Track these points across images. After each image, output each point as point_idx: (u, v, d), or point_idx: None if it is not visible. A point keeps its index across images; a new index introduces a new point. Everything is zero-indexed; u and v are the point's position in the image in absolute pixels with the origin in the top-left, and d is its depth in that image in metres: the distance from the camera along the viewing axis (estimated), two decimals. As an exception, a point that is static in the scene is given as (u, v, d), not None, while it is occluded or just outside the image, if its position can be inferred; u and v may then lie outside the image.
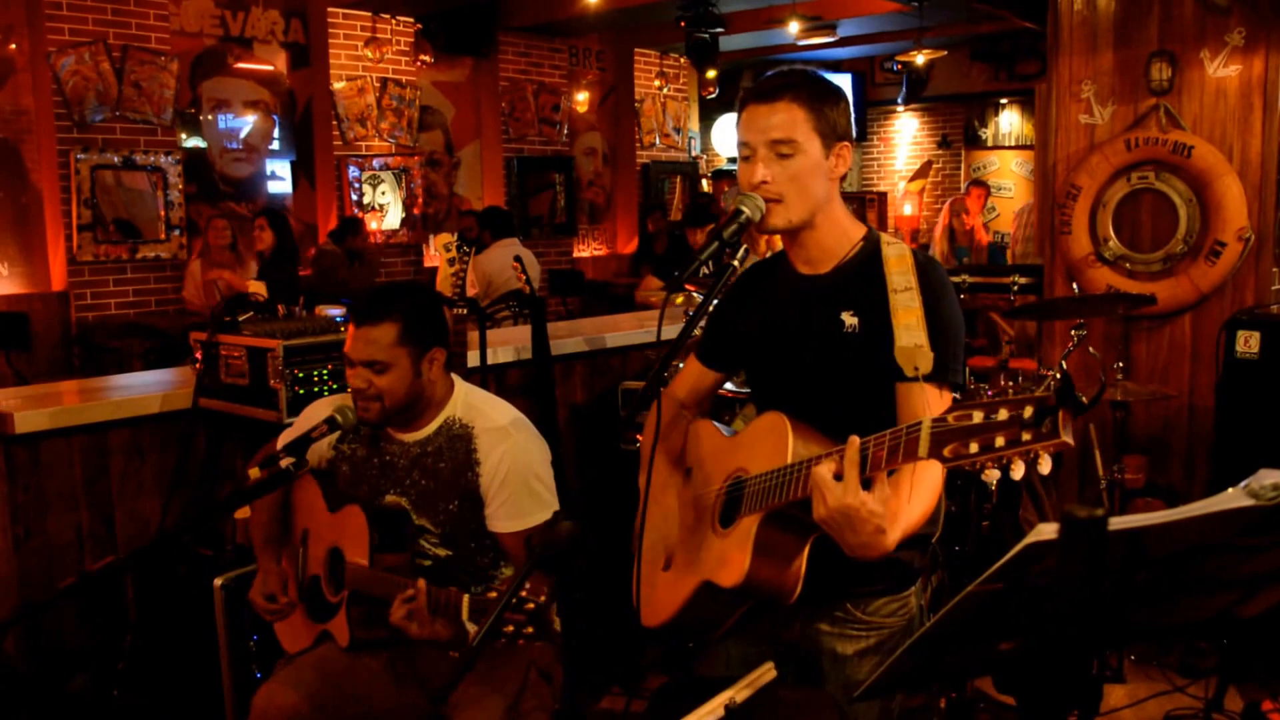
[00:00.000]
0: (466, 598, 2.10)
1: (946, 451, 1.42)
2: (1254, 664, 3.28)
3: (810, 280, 1.96)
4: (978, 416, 1.39)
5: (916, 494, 1.72)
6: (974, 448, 1.39)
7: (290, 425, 2.65)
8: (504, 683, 2.35)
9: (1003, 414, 1.37)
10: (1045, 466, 1.37)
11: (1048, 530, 1.01)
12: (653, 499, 2.11)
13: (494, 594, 1.93)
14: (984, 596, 1.13)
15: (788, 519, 1.75)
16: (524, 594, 1.88)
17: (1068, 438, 1.31)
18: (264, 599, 2.53)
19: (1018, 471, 1.37)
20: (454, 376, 2.52)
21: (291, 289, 6.28)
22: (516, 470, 2.37)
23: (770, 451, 1.79)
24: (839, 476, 1.60)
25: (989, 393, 3.84)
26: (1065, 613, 0.90)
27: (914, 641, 1.23)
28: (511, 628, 1.86)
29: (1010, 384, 3.90)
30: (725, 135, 12.57)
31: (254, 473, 2.30)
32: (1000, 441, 1.37)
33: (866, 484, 1.60)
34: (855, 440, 1.59)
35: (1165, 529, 1.02)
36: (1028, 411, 1.34)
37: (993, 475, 1.42)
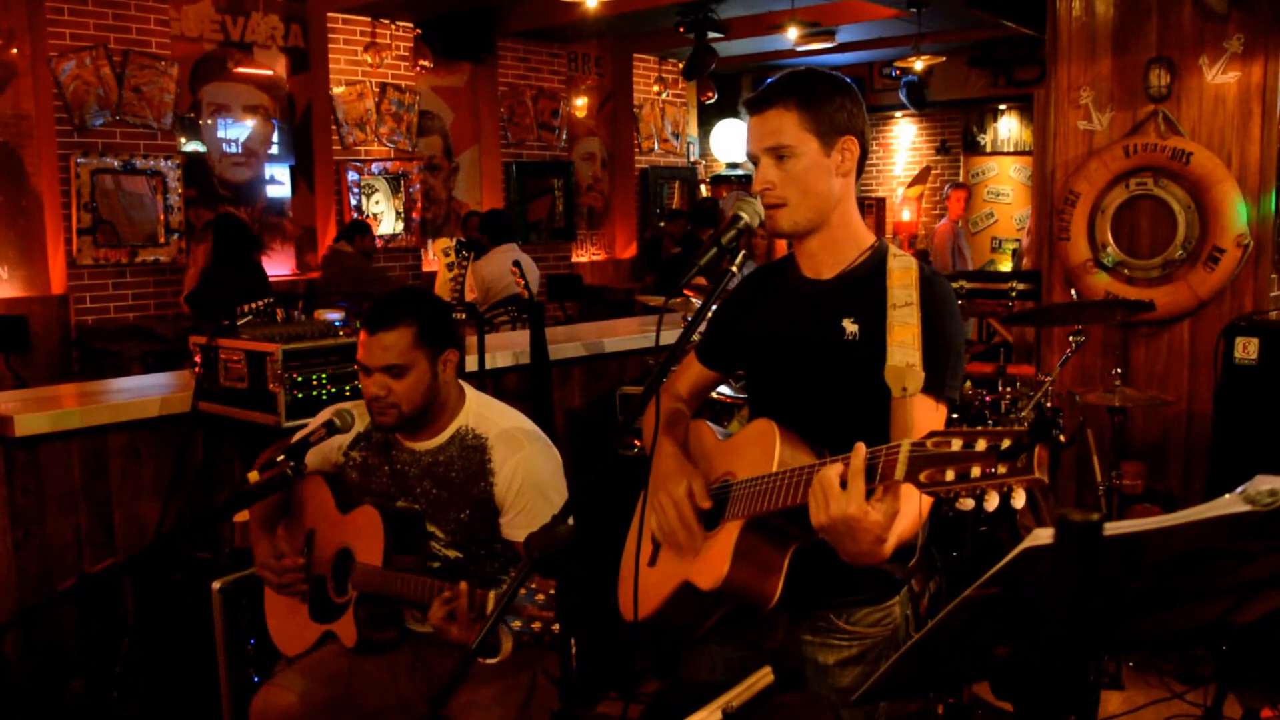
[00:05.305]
0: (493, 594, 2.11)
1: (923, 476, 1.43)
2: (1252, 671, 3.27)
3: (815, 285, 1.97)
4: (956, 444, 1.40)
5: (906, 502, 1.72)
6: (950, 475, 1.39)
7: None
8: (512, 688, 2.35)
9: (980, 445, 1.37)
10: (1019, 501, 1.36)
11: (1044, 535, 1.02)
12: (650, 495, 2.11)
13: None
14: (980, 601, 1.13)
15: (770, 527, 1.76)
16: (544, 597, 1.93)
17: (1041, 475, 1.31)
18: (274, 559, 2.45)
19: (991, 503, 1.36)
20: (464, 385, 2.52)
21: (233, 300, 6.11)
22: (531, 480, 2.39)
23: (758, 458, 1.80)
24: (844, 483, 1.58)
25: (986, 397, 3.84)
26: (1060, 618, 0.91)
27: (911, 646, 1.24)
28: (539, 625, 1.92)
29: (1007, 388, 3.89)
30: (724, 140, 12.57)
31: (253, 476, 2.31)
32: (976, 472, 1.37)
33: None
34: (861, 448, 1.57)
35: (1161, 534, 1.03)
36: (1005, 444, 1.34)
37: (967, 504, 1.41)
